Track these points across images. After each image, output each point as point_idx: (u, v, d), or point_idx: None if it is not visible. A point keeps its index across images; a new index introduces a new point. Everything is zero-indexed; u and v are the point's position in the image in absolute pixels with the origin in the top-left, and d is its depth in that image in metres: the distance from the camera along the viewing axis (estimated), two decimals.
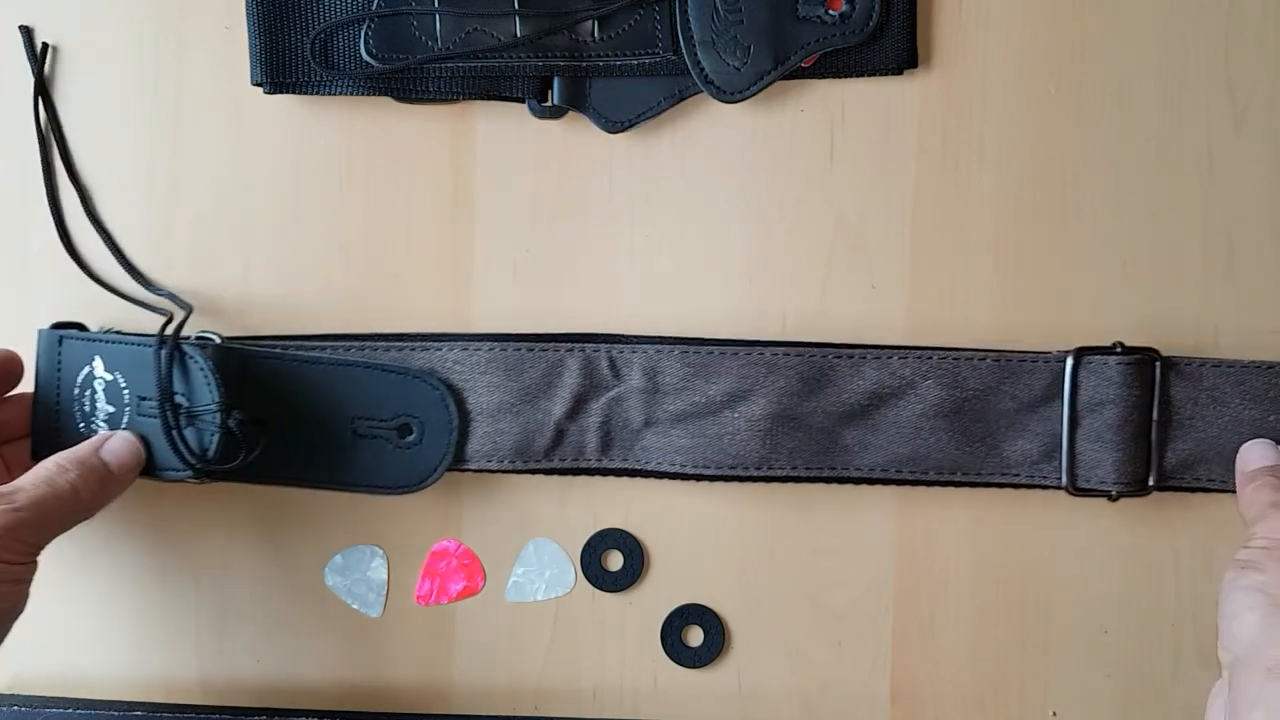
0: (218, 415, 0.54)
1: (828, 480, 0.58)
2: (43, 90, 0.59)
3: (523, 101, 0.58)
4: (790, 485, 0.58)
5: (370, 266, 0.60)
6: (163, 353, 0.54)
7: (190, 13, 0.59)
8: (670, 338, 0.58)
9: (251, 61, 0.58)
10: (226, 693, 0.60)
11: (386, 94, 0.58)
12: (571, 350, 0.57)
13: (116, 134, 0.60)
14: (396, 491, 0.58)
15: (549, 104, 0.58)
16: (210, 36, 0.59)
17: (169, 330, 0.55)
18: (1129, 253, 0.58)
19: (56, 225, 0.59)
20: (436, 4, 0.57)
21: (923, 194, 0.59)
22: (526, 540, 0.60)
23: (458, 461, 0.58)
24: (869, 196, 0.59)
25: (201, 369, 0.54)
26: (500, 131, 0.59)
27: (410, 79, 0.58)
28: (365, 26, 0.57)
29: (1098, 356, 0.56)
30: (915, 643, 0.59)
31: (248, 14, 0.58)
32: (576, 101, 0.58)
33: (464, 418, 0.57)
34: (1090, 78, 0.58)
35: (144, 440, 0.55)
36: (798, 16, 0.57)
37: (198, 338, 0.56)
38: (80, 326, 0.58)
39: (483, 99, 0.59)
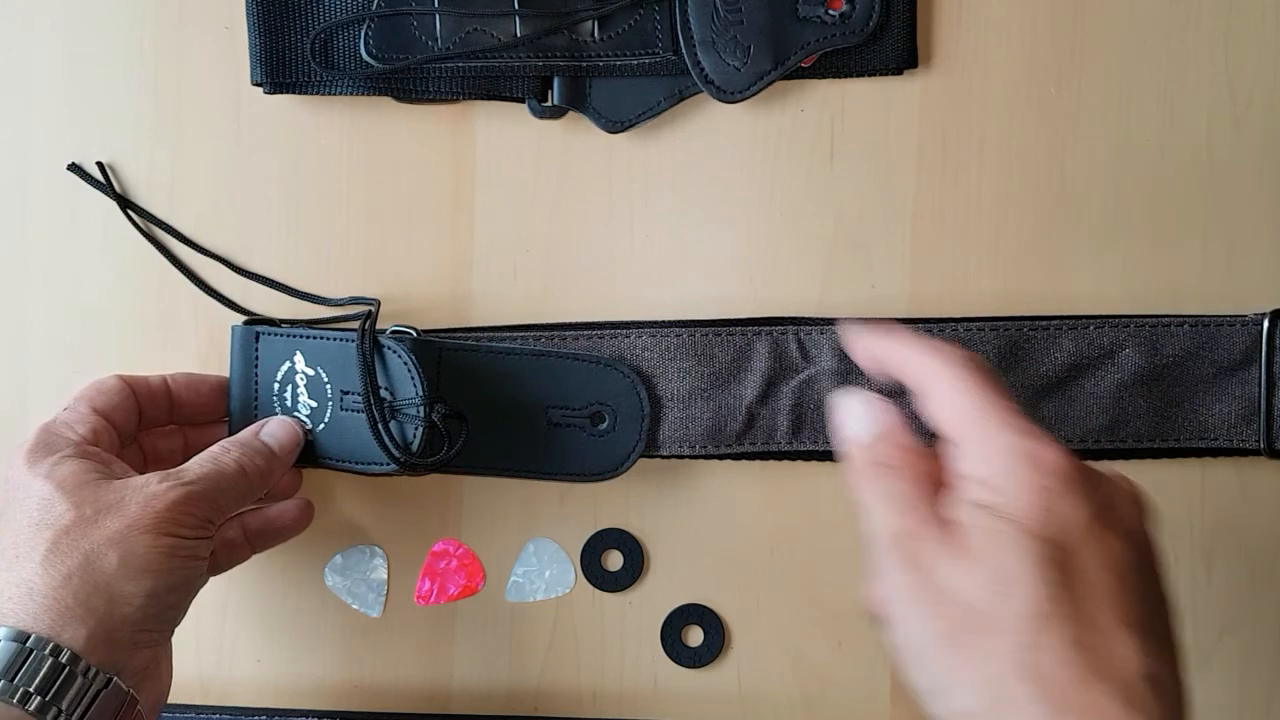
0: (421, 409, 0.54)
1: None
2: (127, 205, 0.59)
3: (523, 101, 0.58)
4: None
5: (370, 266, 0.60)
6: (365, 347, 0.54)
7: (190, 13, 0.59)
8: (859, 317, 0.57)
9: (251, 61, 0.58)
10: (226, 693, 0.60)
11: (386, 94, 0.58)
12: (759, 334, 0.57)
13: (116, 133, 0.60)
14: (591, 479, 0.58)
15: (549, 104, 0.58)
16: (210, 36, 0.59)
17: (367, 325, 0.55)
18: (1128, 252, 0.58)
19: (202, 286, 0.59)
20: (436, 4, 0.57)
21: (923, 194, 0.59)
22: (526, 540, 0.60)
23: (650, 448, 0.58)
24: (869, 196, 0.59)
25: (404, 363, 0.54)
26: (500, 131, 0.59)
27: (410, 79, 0.58)
28: (365, 26, 0.57)
29: None
30: None
31: (248, 14, 0.58)
32: (576, 101, 0.58)
33: (655, 404, 0.58)
34: (1090, 78, 0.58)
35: (347, 435, 0.55)
36: (798, 16, 0.57)
37: (393, 331, 0.56)
38: (271, 322, 0.58)
39: (483, 99, 0.59)
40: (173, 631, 0.50)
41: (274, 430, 0.55)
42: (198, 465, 0.51)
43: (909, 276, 0.59)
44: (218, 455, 0.52)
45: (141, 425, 0.55)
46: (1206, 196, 0.58)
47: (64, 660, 0.45)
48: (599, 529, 0.60)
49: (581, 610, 0.60)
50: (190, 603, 0.50)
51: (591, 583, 0.60)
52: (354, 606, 0.60)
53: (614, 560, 0.60)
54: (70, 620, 0.46)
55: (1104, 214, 0.58)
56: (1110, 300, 0.58)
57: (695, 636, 0.60)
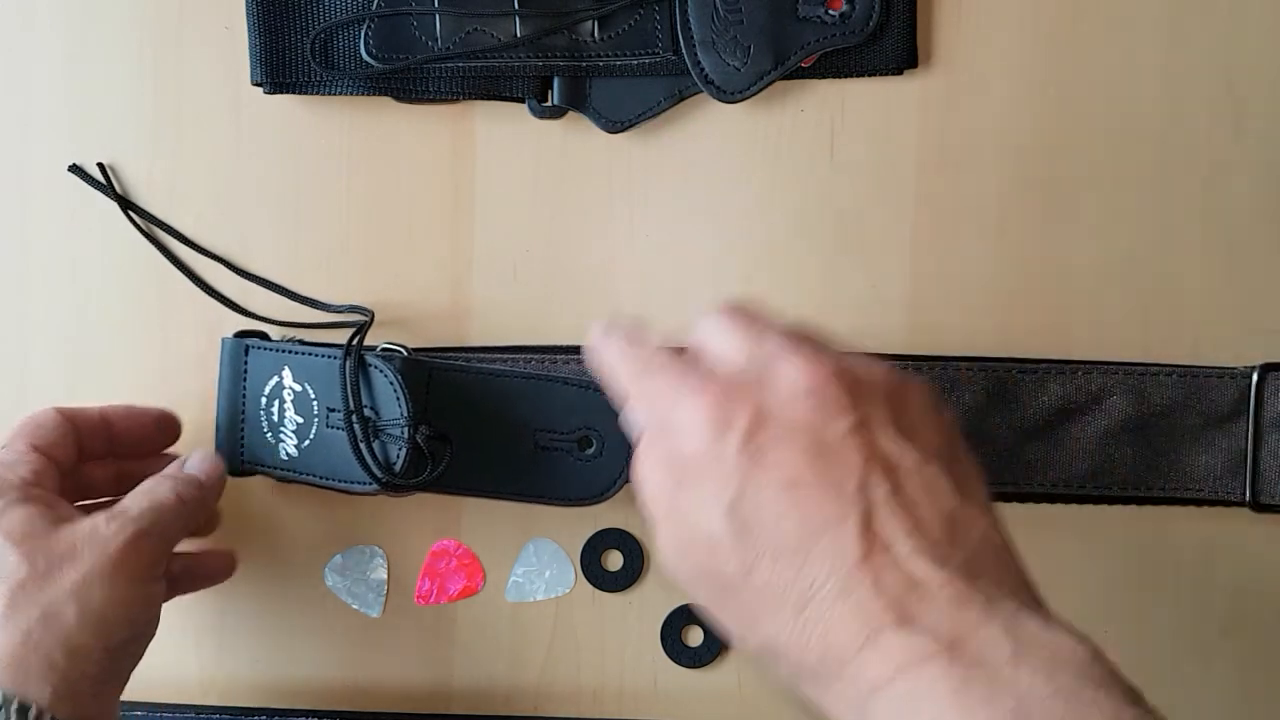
0: (405, 429, 0.53)
1: (1009, 498, 0.57)
2: (128, 206, 0.59)
3: (523, 101, 0.58)
4: None
5: (370, 267, 0.60)
6: (348, 366, 0.53)
7: (190, 13, 0.59)
8: (850, 352, 0.57)
9: (251, 61, 0.58)
10: (226, 693, 0.60)
11: (386, 94, 0.58)
12: None
13: (116, 134, 0.60)
14: (576, 504, 0.57)
15: (549, 104, 0.58)
16: (210, 36, 0.59)
17: (354, 342, 0.54)
18: (1128, 253, 0.58)
19: (202, 286, 0.59)
20: (436, 4, 0.57)
21: (923, 194, 0.59)
22: (526, 540, 0.60)
23: None
24: (869, 196, 0.59)
25: (390, 382, 0.53)
26: (500, 131, 0.59)
27: (410, 79, 0.58)
28: (365, 26, 0.57)
29: None
30: None
31: (248, 14, 0.58)
32: (576, 101, 0.58)
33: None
34: (1090, 78, 0.58)
35: (331, 453, 0.54)
36: (798, 16, 0.57)
37: (383, 349, 0.55)
38: (263, 336, 0.58)
39: (483, 99, 0.59)
40: (129, 675, 0.50)
41: (196, 463, 0.54)
42: (136, 502, 0.51)
43: (909, 276, 0.59)
44: (153, 489, 0.52)
45: (79, 458, 0.54)
46: (1206, 197, 0.58)
47: (32, 718, 0.45)
48: (599, 529, 0.60)
49: (581, 610, 0.60)
50: (146, 648, 0.51)
51: (591, 583, 0.60)
52: (354, 606, 0.60)
53: (614, 560, 0.60)
54: (33, 677, 0.46)
55: (1104, 214, 0.58)
56: (1110, 299, 0.58)
57: (695, 636, 0.60)
